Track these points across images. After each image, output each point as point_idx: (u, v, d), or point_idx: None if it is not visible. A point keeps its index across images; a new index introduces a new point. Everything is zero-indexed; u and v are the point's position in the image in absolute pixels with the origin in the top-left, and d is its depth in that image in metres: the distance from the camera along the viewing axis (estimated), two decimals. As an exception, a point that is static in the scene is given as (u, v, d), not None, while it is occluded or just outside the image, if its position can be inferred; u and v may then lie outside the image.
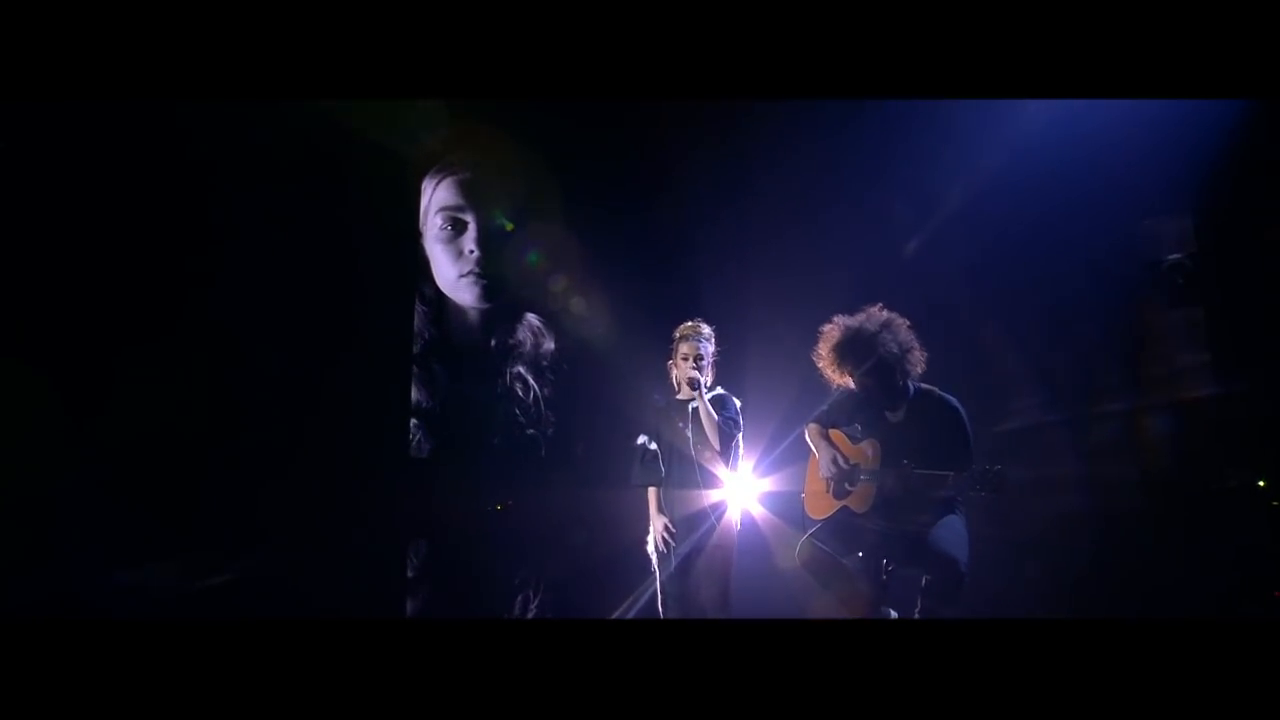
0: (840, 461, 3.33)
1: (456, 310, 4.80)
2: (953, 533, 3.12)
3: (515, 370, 4.73)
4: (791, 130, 4.15)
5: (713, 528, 3.20)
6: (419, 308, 4.69)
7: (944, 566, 3.01)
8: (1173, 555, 3.29)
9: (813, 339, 3.42)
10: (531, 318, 4.83)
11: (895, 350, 3.17)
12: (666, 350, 3.33)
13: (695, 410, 3.26)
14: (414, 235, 4.56)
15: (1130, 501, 3.44)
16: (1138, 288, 3.47)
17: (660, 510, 3.27)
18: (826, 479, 3.39)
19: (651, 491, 3.31)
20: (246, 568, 3.42)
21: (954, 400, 3.26)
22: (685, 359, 3.26)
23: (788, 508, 3.62)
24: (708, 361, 3.29)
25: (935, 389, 3.29)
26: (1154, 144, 3.24)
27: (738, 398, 3.38)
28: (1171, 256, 3.38)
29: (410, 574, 4.24)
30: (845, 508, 3.34)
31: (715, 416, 3.20)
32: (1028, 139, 3.48)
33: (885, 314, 3.24)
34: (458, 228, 4.85)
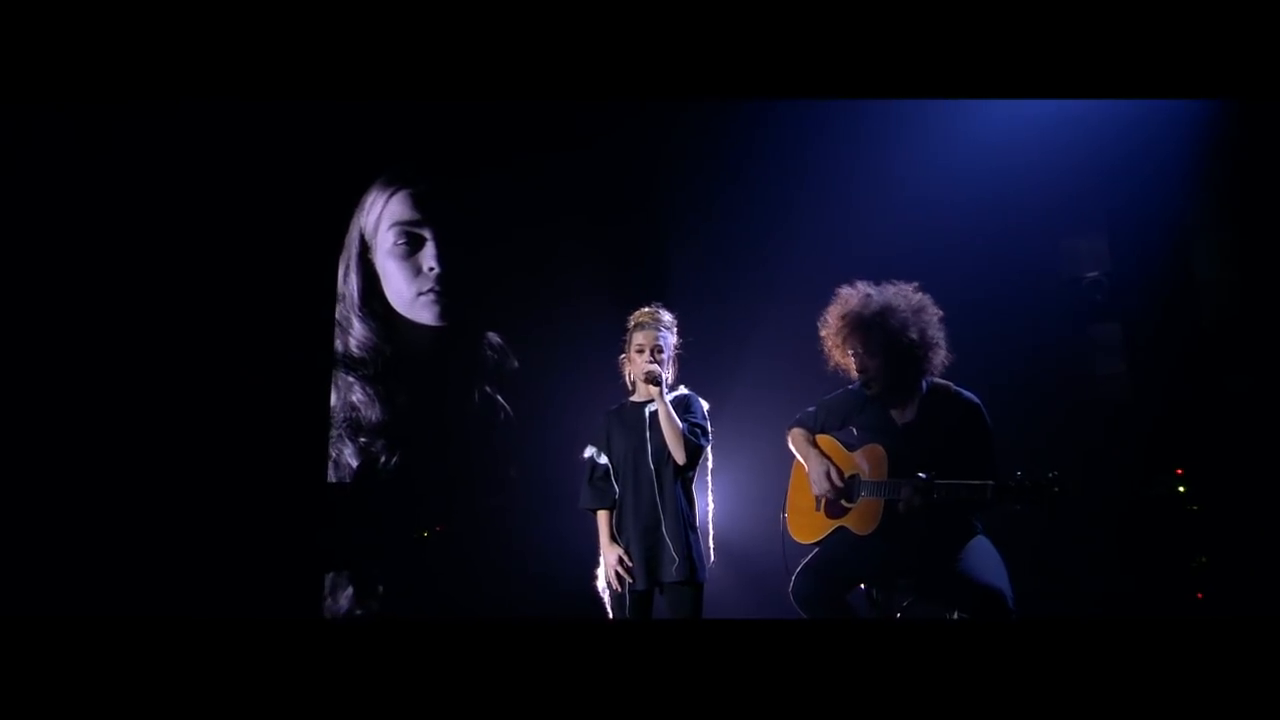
0: (834, 474, 2.43)
1: (410, 328, 4.13)
2: (989, 558, 2.24)
3: (484, 389, 4.08)
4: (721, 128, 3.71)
5: (674, 560, 2.29)
6: (371, 324, 4.06)
7: (986, 602, 2.12)
8: (1094, 559, 2.98)
9: (789, 331, 2.57)
10: (493, 336, 4.15)
11: (919, 343, 2.37)
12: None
13: (653, 415, 2.37)
14: (335, 250, 4.01)
15: (1053, 508, 2.85)
16: (1058, 304, 3.29)
17: (613, 539, 2.38)
18: (818, 495, 2.48)
19: (602, 516, 2.42)
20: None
21: (973, 396, 2.41)
22: (641, 351, 2.41)
23: (766, 530, 2.74)
24: (668, 355, 2.43)
25: (951, 384, 2.44)
26: (1072, 165, 3.11)
27: (704, 400, 2.48)
28: (1089, 274, 3.22)
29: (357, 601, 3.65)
30: (842, 529, 2.44)
31: (679, 422, 2.34)
32: (949, 163, 3.24)
33: (920, 296, 2.41)
34: (414, 243, 4.20)
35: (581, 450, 2.48)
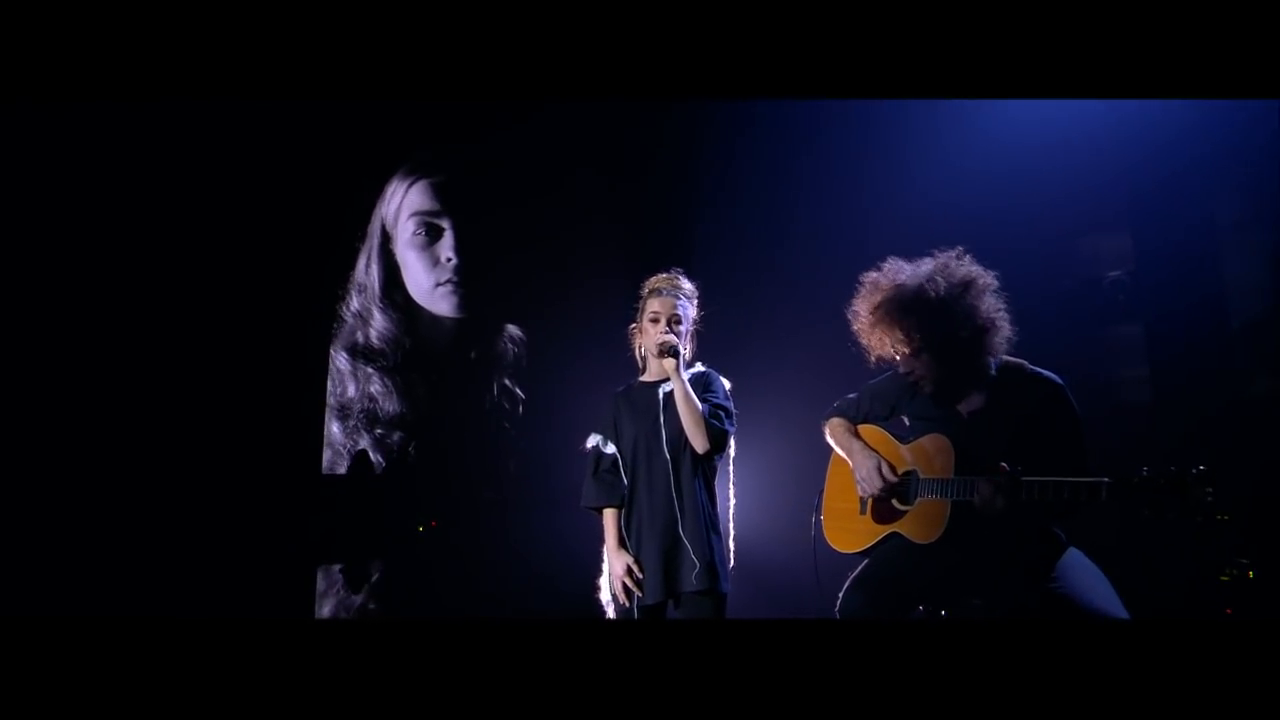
0: (886, 470, 1.88)
1: (431, 320, 3.80)
2: (1092, 577, 1.70)
3: (502, 383, 3.76)
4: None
5: (694, 566, 1.81)
6: (392, 315, 3.74)
7: None
8: (1120, 570, 2.39)
9: (823, 306, 2.06)
10: (512, 328, 3.81)
11: (972, 327, 1.79)
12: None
13: (668, 395, 1.88)
14: (341, 242, 3.67)
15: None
16: (1078, 305, 2.97)
17: (621, 544, 1.88)
18: (865, 495, 1.94)
19: (609, 516, 1.93)
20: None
21: (1055, 376, 1.84)
22: (655, 320, 1.92)
23: (793, 535, 2.21)
24: (687, 328, 1.94)
25: (1025, 363, 1.87)
26: (1095, 162, 2.83)
27: (726, 379, 1.98)
28: (1112, 274, 2.95)
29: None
30: (895, 536, 1.90)
31: (698, 403, 1.85)
32: (968, 157, 2.95)
33: (966, 267, 1.84)
34: (433, 234, 3.86)
35: (584, 440, 1.99)
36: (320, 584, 3.28)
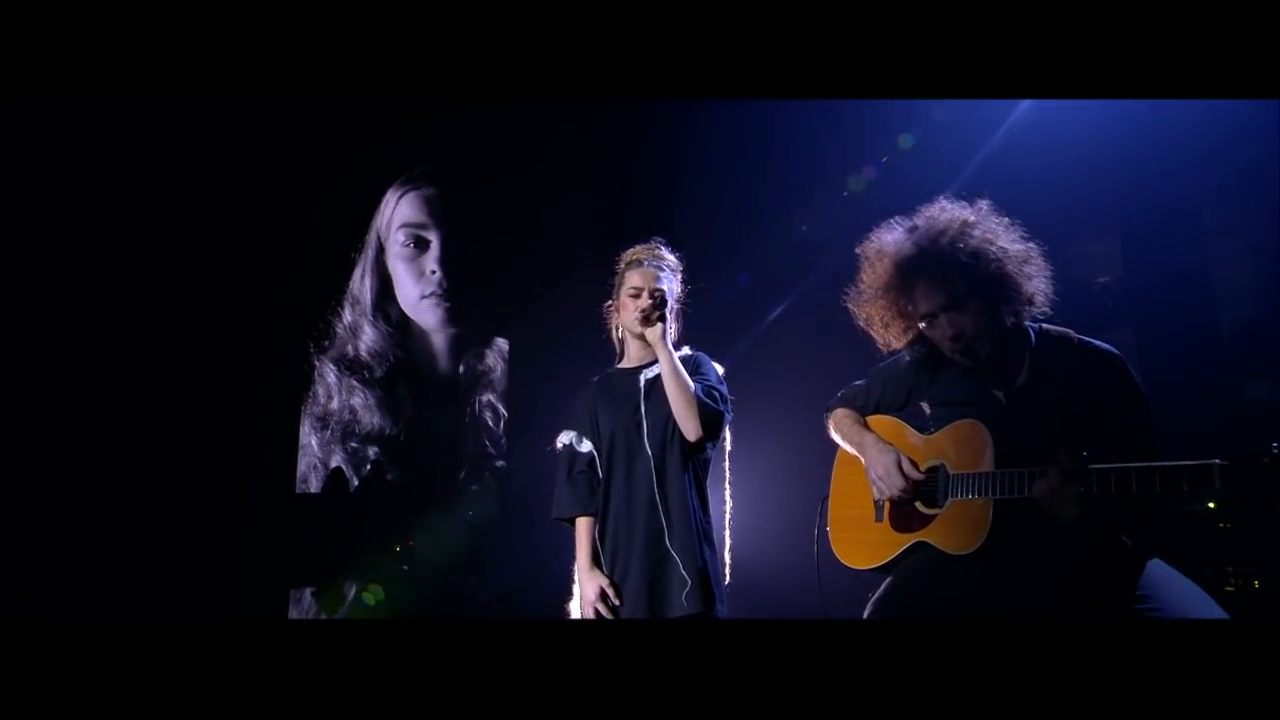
0: (908, 467, 1.49)
1: (420, 333, 3.59)
2: (1191, 591, 1.30)
3: (485, 398, 3.52)
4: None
5: (684, 583, 1.43)
6: (382, 328, 3.55)
7: None
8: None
9: (823, 285, 1.74)
10: (501, 343, 3.58)
11: (993, 271, 1.40)
12: None
13: (651, 382, 1.52)
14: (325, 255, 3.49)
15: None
16: (1066, 310, 2.46)
17: (594, 561, 1.49)
18: (881, 498, 1.55)
19: (582, 526, 1.54)
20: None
21: (1109, 347, 1.44)
22: (636, 295, 1.56)
23: (793, 550, 1.81)
24: (672, 305, 1.57)
25: (1071, 331, 1.48)
26: (1082, 162, 2.67)
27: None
28: (1100, 279, 2.82)
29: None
30: (922, 547, 1.49)
31: (689, 381, 1.50)
32: (959, 161, 2.77)
33: (966, 211, 1.45)
34: (420, 246, 3.66)
35: (556, 439, 1.61)
36: (293, 613, 2.95)
